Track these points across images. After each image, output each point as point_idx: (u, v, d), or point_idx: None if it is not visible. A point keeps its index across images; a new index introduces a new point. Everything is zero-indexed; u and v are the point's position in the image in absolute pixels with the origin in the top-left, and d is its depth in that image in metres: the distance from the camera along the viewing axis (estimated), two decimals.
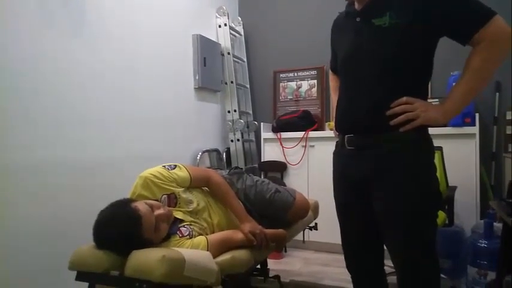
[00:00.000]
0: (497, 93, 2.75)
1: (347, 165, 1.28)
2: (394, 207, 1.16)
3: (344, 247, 1.40)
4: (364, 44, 1.20)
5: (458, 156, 2.50)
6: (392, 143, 1.15)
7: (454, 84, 1.15)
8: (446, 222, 2.09)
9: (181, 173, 1.52)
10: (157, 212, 1.30)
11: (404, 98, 1.13)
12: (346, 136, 1.25)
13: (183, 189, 1.50)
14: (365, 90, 1.20)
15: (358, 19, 1.22)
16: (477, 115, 2.54)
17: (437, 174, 2.27)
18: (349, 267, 1.40)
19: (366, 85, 1.19)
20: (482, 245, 2.11)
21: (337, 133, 1.34)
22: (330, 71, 1.59)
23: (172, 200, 1.45)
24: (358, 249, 1.35)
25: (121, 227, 1.22)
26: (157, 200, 1.40)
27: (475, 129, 2.50)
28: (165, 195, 1.44)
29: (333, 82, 1.58)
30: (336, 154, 1.35)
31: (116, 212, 1.27)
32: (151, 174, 1.45)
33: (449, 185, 2.29)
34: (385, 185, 1.17)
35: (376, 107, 1.16)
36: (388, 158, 1.16)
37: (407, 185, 1.14)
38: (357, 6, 1.24)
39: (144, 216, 1.24)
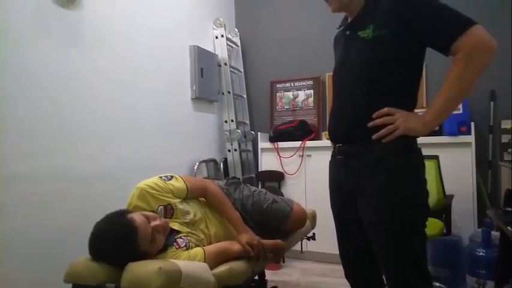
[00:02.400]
0: (492, 102, 2.77)
1: (338, 174, 1.31)
2: (376, 218, 1.16)
3: (342, 256, 1.40)
4: (350, 55, 1.23)
5: (455, 165, 2.51)
6: (376, 152, 1.16)
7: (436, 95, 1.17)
8: (444, 231, 2.09)
9: (178, 183, 1.51)
10: (154, 223, 1.29)
11: (385, 109, 1.14)
12: (336, 145, 1.29)
13: (179, 200, 1.49)
14: (350, 101, 1.23)
15: (347, 32, 1.26)
16: (473, 124, 2.56)
17: (434, 182, 2.32)
18: (348, 276, 1.39)
19: (350, 96, 1.23)
20: (480, 254, 2.10)
21: (332, 142, 1.37)
22: None
23: (169, 211, 1.44)
24: (355, 257, 1.35)
25: (117, 239, 1.21)
26: (153, 211, 1.40)
27: (471, 138, 2.52)
28: (162, 206, 1.44)
29: None
30: (330, 163, 1.38)
31: (112, 223, 1.26)
32: (147, 185, 1.45)
33: (446, 193, 2.30)
34: (368, 194, 1.18)
35: (359, 117, 1.18)
36: (371, 166, 1.17)
37: (390, 194, 1.14)
38: (349, 20, 1.30)
39: (140, 227, 1.23)
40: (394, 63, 1.16)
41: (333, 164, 1.36)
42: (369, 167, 1.17)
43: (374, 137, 1.14)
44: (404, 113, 1.15)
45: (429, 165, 2.39)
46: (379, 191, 1.15)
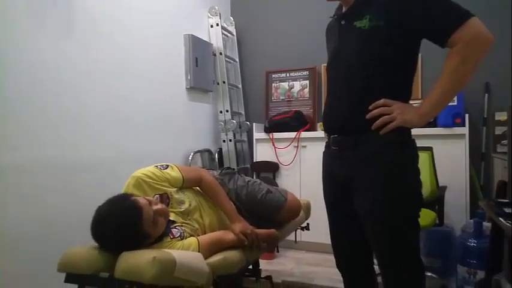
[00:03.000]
0: (487, 94, 2.78)
1: (332, 165, 1.31)
2: (372, 209, 1.17)
3: (333, 246, 1.41)
4: (345, 46, 1.22)
5: (448, 157, 2.52)
6: (372, 143, 1.16)
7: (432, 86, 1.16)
8: (437, 222, 2.11)
9: (174, 173, 1.51)
10: (155, 206, 1.30)
11: (382, 101, 1.14)
12: (331, 136, 1.29)
13: (175, 189, 1.49)
14: (345, 92, 1.22)
15: (342, 22, 1.24)
16: (467, 116, 2.57)
17: (427, 174, 2.34)
18: (339, 266, 1.41)
19: (346, 86, 1.22)
20: (472, 244, 2.13)
21: (326, 133, 1.37)
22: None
23: (165, 200, 1.44)
24: (347, 248, 1.36)
25: (122, 219, 1.21)
26: None
27: (465, 130, 2.53)
28: (158, 195, 1.43)
29: None
30: (324, 154, 1.38)
31: (116, 205, 1.26)
32: (143, 174, 1.44)
33: (439, 185, 2.31)
34: (365, 186, 1.18)
35: (355, 108, 1.19)
36: (367, 158, 1.17)
37: (387, 186, 1.14)
38: (344, 9, 1.27)
39: (144, 207, 1.24)
40: (391, 55, 1.15)
41: (327, 155, 1.35)
42: (365, 158, 1.17)
43: (373, 126, 1.14)
44: (401, 104, 1.15)
45: (423, 156, 2.40)
46: (375, 183, 1.15)
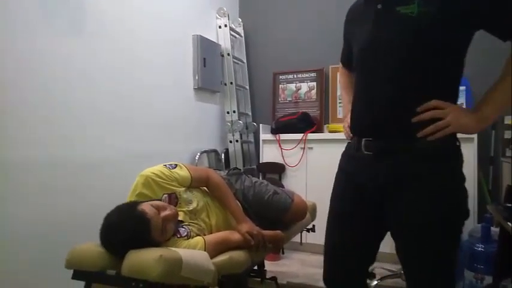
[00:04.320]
0: None
1: (360, 172, 1.11)
2: (419, 229, 1.03)
3: (331, 259, 1.23)
4: (386, 35, 1.05)
5: None
6: (418, 151, 1.02)
7: (489, 87, 1.04)
8: None
9: (182, 172, 1.52)
10: (164, 213, 1.28)
11: (433, 102, 0.99)
12: (363, 139, 1.10)
13: (184, 188, 1.50)
14: (386, 89, 1.05)
15: (379, 6, 1.06)
16: None
17: None
18: (328, 279, 1.24)
19: (387, 83, 1.05)
20: (479, 249, 2.11)
21: (351, 135, 1.19)
22: (341, 66, 1.44)
23: (173, 199, 1.45)
24: (350, 263, 1.19)
25: (130, 232, 1.21)
26: (158, 200, 1.40)
27: (473, 134, 2.51)
28: (166, 195, 1.44)
29: (344, 77, 1.43)
30: (347, 157, 1.19)
31: (124, 216, 1.25)
32: (153, 173, 1.45)
33: None
34: (408, 196, 1.02)
35: (399, 109, 1.03)
36: (413, 167, 1.02)
37: (434, 199, 1.01)
38: None
39: (152, 219, 1.23)
40: (442, 48, 0.99)
41: (353, 159, 1.15)
42: (410, 166, 1.02)
43: (420, 134, 1.00)
44: (455, 107, 1.02)
45: None
46: (422, 194, 1.01)
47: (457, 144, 1.06)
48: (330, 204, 1.24)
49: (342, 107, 1.40)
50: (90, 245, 1.27)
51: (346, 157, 1.20)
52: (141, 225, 1.22)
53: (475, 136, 2.49)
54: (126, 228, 1.22)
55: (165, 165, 1.51)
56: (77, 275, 1.23)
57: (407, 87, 1.03)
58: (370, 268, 1.98)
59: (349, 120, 1.21)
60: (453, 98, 1.05)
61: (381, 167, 1.06)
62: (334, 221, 1.22)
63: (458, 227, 1.06)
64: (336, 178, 1.23)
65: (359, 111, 1.14)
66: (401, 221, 1.05)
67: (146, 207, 1.26)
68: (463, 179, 1.06)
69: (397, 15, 1.01)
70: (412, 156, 1.02)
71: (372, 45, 1.08)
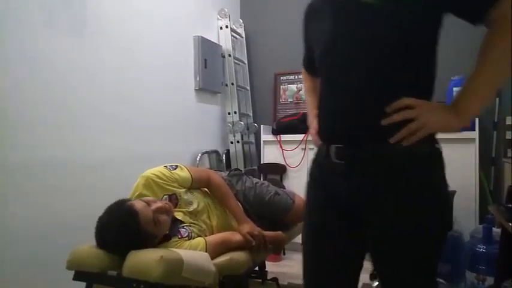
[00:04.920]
0: (497, 98, 2.75)
1: (332, 183, 0.98)
2: (394, 238, 0.90)
3: (311, 275, 1.05)
4: (346, 28, 0.93)
5: (458, 161, 2.49)
6: (392, 158, 0.89)
7: (466, 78, 0.90)
8: None
9: (183, 173, 1.52)
10: (155, 205, 1.30)
11: (403, 101, 0.86)
12: (332, 146, 0.96)
13: (184, 190, 1.50)
14: (353, 90, 0.92)
15: None
16: (477, 120, 2.55)
17: None
18: None
19: (354, 83, 0.92)
20: (481, 250, 2.10)
21: (319, 142, 1.05)
22: (303, 70, 1.31)
23: (173, 200, 1.45)
24: (328, 277, 1.03)
25: (120, 226, 1.22)
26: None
27: (475, 134, 2.50)
28: (166, 196, 1.44)
29: (308, 82, 1.31)
30: (317, 165, 1.06)
31: (113, 213, 1.27)
32: (153, 174, 1.45)
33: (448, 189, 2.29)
34: (384, 210, 0.90)
35: (368, 111, 0.90)
36: (388, 177, 0.89)
37: (412, 212, 0.89)
38: None
39: (140, 211, 1.24)
40: (412, 39, 0.87)
41: (323, 168, 1.02)
42: (389, 177, 0.90)
43: (393, 140, 0.86)
44: (429, 104, 0.89)
45: None
46: (401, 205, 0.89)
47: (436, 146, 0.93)
48: (304, 214, 1.09)
49: (308, 112, 1.25)
50: (91, 246, 1.27)
51: (315, 165, 1.07)
52: (129, 218, 1.23)
53: (476, 136, 2.49)
54: (116, 224, 1.23)
55: (166, 166, 1.51)
56: (78, 276, 1.23)
57: (374, 87, 0.90)
58: (372, 269, 1.96)
59: (316, 126, 1.08)
60: (427, 95, 0.92)
61: (354, 177, 0.93)
62: (311, 232, 1.06)
63: (440, 241, 0.94)
64: (307, 186, 1.09)
65: (326, 115, 1.01)
66: (377, 237, 0.93)
67: (135, 202, 1.28)
68: (444, 186, 0.94)
69: (357, 5, 0.88)
70: (387, 165, 0.89)
71: (333, 42, 0.95)
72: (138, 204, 1.26)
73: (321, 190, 1.03)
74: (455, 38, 2.81)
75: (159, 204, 1.31)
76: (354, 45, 0.92)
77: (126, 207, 1.25)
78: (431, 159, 0.92)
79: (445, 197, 0.96)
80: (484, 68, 0.85)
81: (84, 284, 1.25)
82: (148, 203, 1.29)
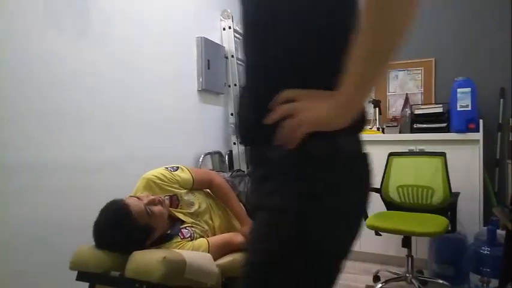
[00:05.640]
0: (502, 100, 2.73)
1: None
2: (251, 260, 0.71)
3: None
4: (246, 9, 0.78)
5: (462, 163, 2.48)
6: (272, 166, 0.71)
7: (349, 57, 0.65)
8: (449, 228, 2.08)
9: (184, 174, 1.52)
10: (146, 199, 1.32)
11: (285, 93, 0.67)
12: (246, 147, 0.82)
13: (185, 191, 1.50)
14: (248, 81, 0.79)
15: None
16: (481, 121, 2.53)
17: (440, 180, 2.30)
18: None
19: (248, 72, 0.79)
20: (485, 252, 2.09)
21: None
22: None
23: (174, 201, 1.45)
24: None
25: (113, 223, 1.24)
26: None
27: (479, 136, 2.49)
28: (167, 196, 1.44)
29: None
30: None
31: (104, 213, 1.29)
32: (153, 175, 1.46)
33: (452, 191, 2.28)
34: (252, 230, 0.73)
35: (258, 108, 0.72)
36: (264, 185, 0.71)
37: (282, 236, 0.66)
38: None
39: (131, 204, 1.26)
40: (301, 13, 0.68)
41: None
42: (262, 184, 0.72)
43: (277, 142, 0.68)
44: (312, 94, 0.66)
45: (436, 162, 2.37)
46: (266, 222, 0.69)
47: (337, 146, 0.68)
48: None
49: None
50: (94, 246, 1.27)
51: None
52: (121, 212, 1.24)
53: (480, 138, 2.47)
54: (110, 220, 1.25)
55: (167, 167, 1.51)
56: (81, 277, 1.24)
57: (263, 76, 0.74)
58: (375, 271, 1.96)
59: None
60: (327, 83, 0.65)
61: (252, 183, 0.80)
62: None
63: (291, 259, 0.66)
64: None
65: (237, 111, 0.85)
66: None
67: (126, 198, 1.31)
68: (344, 207, 0.69)
69: None
70: (265, 172, 0.72)
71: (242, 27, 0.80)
72: (129, 199, 1.29)
73: None
74: (458, 38, 2.80)
75: (150, 197, 1.33)
76: (248, 26, 0.78)
77: (117, 204, 1.28)
78: (319, 161, 0.67)
79: (336, 218, 0.68)
80: (365, 42, 0.59)
81: (85, 284, 1.25)
82: (139, 198, 1.31)
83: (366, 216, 2.23)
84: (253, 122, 0.74)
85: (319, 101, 0.65)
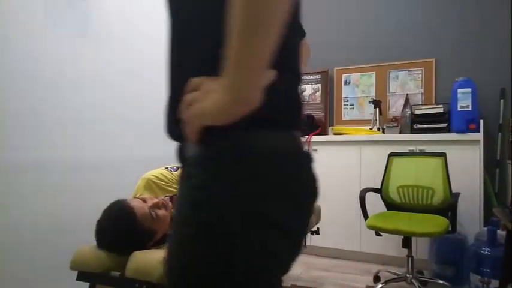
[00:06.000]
0: (502, 100, 2.73)
1: None
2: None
3: None
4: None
5: (462, 163, 2.48)
6: (187, 165, 0.62)
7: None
8: (449, 229, 2.08)
9: None
10: (151, 202, 1.31)
11: (192, 81, 0.56)
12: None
13: None
14: (168, 77, 0.70)
15: None
16: (481, 122, 2.53)
17: (440, 180, 2.30)
18: None
19: (169, 69, 0.69)
20: (486, 252, 2.09)
21: None
22: None
23: (175, 201, 1.45)
24: None
25: (117, 224, 1.24)
26: None
27: (479, 136, 2.49)
28: (168, 197, 1.45)
29: None
30: None
31: (109, 214, 1.28)
32: (154, 175, 1.46)
33: (453, 191, 2.28)
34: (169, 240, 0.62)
35: (173, 101, 0.65)
36: (181, 185, 0.63)
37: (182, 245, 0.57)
38: None
39: (135, 207, 1.26)
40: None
41: None
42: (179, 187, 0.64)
43: (190, 140, 0.59)
44: (210, 83, 0.54)
45: (436, 162, 2.37)
46: (174, 239, 0.59)
47: (241, 144, 0.56)
48: None
49: None
50: (94, 246, 1.27)
51: None
52: (126, 214, 1.24)
53: (480, 139, 2.47)
54: (114, 222, 1.25)
55: (167, 167, 1.52)
56: (82, 277, 1.23)
57: (177, 71, 0.66)
58: (375, 271, 1.96)
59: None
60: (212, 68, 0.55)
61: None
62: None
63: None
64: None
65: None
66: None
67: (130, 200, 1.30)
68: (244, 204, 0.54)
69: None
70: (186, 170, 0.62)
71: None
72: (134, 202, 1.29)
73: None
74: (459, 39, 2.80)
75: (155, 200, 1.33)
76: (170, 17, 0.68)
77: (122, 205, 1.27)
78: (218, 161, 0.56)
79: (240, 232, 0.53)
80: (237, 30, 0.49)
81: (85, 284, 1.25)
82: (144, 200, 1.31)
83: (366, 217, 2.23)
84: (170, 118, 0.66)
85: (215, 89, 0.53)
